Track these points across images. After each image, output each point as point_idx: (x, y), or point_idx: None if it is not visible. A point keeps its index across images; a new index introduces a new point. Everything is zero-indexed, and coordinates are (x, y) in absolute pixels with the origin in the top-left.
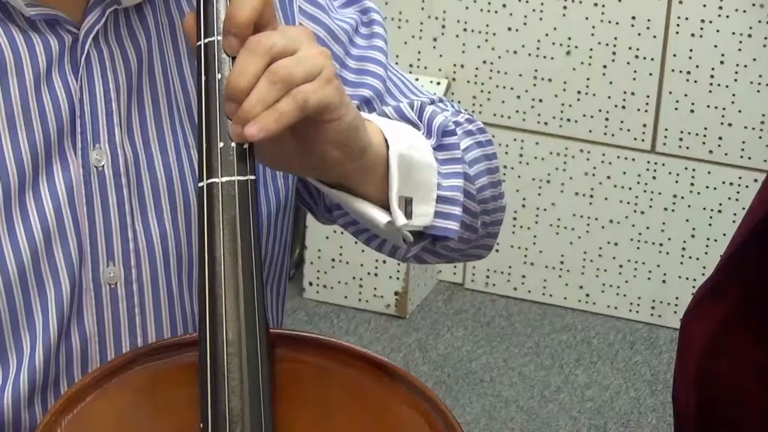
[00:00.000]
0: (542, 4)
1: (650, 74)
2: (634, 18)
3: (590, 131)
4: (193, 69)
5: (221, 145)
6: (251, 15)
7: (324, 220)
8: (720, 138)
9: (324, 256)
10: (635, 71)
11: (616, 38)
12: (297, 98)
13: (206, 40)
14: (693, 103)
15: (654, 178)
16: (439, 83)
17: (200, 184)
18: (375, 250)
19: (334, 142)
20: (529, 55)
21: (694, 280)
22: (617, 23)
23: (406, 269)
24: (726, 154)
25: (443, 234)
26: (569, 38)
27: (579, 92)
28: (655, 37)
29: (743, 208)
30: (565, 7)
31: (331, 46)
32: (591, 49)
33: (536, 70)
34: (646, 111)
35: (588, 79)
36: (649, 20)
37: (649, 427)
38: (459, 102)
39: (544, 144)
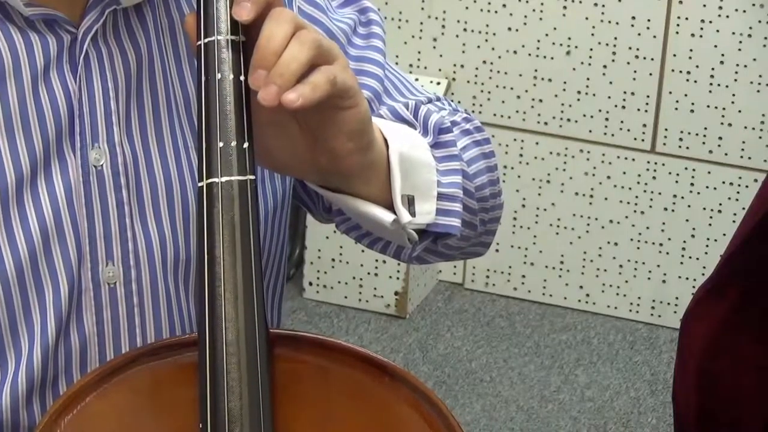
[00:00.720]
0: (542, 4)
1: (650, 74)
2: (634, 18)
3: (590, 131)
4: (193, 70)
5: (221, 145)
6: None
7: (323, 220)
8: (720, 138)
9: (324, 256)
10: (635, 71)
11: (616, 38)
12: (327, 73)
13: (206, 40)
14: (693, 103)
15: (654, 178)
16: (439, 83)
17: (200, 184)
18: (379, 253)
19: (348, 132)
20: (529, 55)
21: (694, 280)
22: (617, 23)
23: (406, 269)
24: (726, 154)
25: (446, 231)
26: (569, 38)
27: (579, 92)
28: (655, 37)
29: (743, 208)
30: (565, 7)
31: None
32: (591, 49)
33: (536, 70)
34: (646, 111)
35: (588, 79)
36: (649, 20)
37: (649, 427)
38: (459, 102)
39: (544, 144)
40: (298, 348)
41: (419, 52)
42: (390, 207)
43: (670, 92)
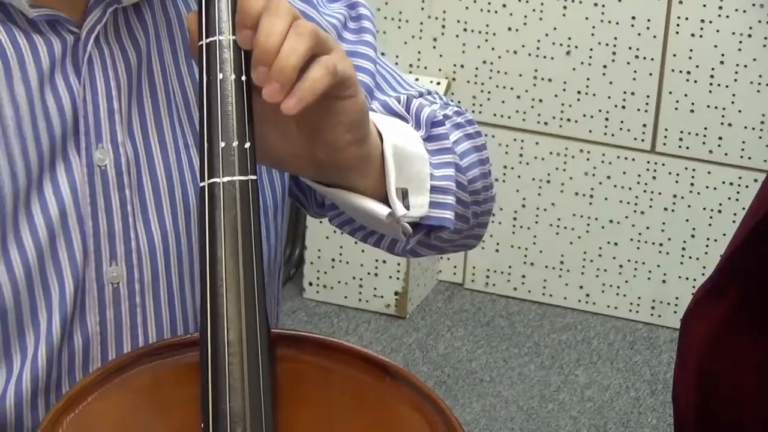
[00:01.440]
0: (542, 4)
1: (650, 74)
2: (634, 18)
3: (590, 131)
4: (191, 67)
5: (222, 145)
6: (263, 4)
7: (315, 215)
8: (720, 138)
9: (324, 256)
10: (635, 71)
11: (616, 38)
12: (327, 64)
13: (208, 40)
14: (693, 103)
15: (654, 178)
16: (439, 83)
17: (201, 184)
18: (373, 246)
19: (347, 123)
20: (529, 55)
21: (694, 280)
22: (617, 23)
23: (406, 269)
24: (726, 154)
25: (440, 224)
26: (569, 38)
27: (579, 92)
28: (655, 37)
29: (743, 208)
30: (565, 7)
31: None
32: (591, 49)
33: (536, 70)
34: (646, 111)
35: (588, 79)
36: (649, 20)
37: (649, 427)
38: (459, 102)
39: (544, 144)
40: (300, 348)
41: (419, 52)
42: (384, 200)
43: (670, 92)
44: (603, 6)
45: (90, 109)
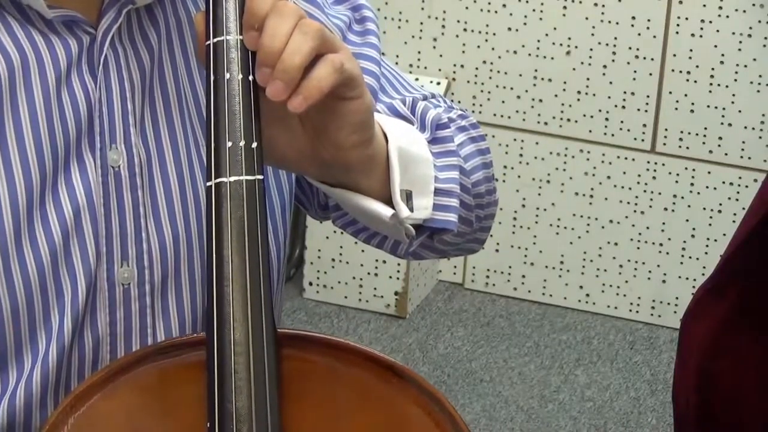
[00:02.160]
0: (542, 4)
1: (650, 74)
2: (634, 18)
3: (590, 131)
4: (201, 67)
5: (229, 144)
6: (270, 5)
7: (318, 216)
8: (720, 138)
9: (324, 256)
10: (635, 71)
11: (616, 38)
12: (334, 62)
13: (215, 40)
14: (693, 103)
15: (654, 178)
16: (439, 83)
17: (208, 184)
18: (376, 248)
19: (353, 124)
20: (529, 55)
21: (694, 280)
22: (617, 23)
23: (406, 269)
24: (726, 154)
25: (443, 227)
26: (569, 38)
27: (579, 92)
28: (655, 37)
29: (743, 208)
30: (565, 7)
31: None
32: (591, 49)
33: (536, 70)
34: (646, 111)
35: (588, 79)
36: (649, 20)
37: (648, 427)
38: (459, 102)
39: (544, 144)
40: (306, 348)
41: (419, 52)
42: (388, 202)
43: (670, 92)
44: (603, 6)
45: (105, 109)
